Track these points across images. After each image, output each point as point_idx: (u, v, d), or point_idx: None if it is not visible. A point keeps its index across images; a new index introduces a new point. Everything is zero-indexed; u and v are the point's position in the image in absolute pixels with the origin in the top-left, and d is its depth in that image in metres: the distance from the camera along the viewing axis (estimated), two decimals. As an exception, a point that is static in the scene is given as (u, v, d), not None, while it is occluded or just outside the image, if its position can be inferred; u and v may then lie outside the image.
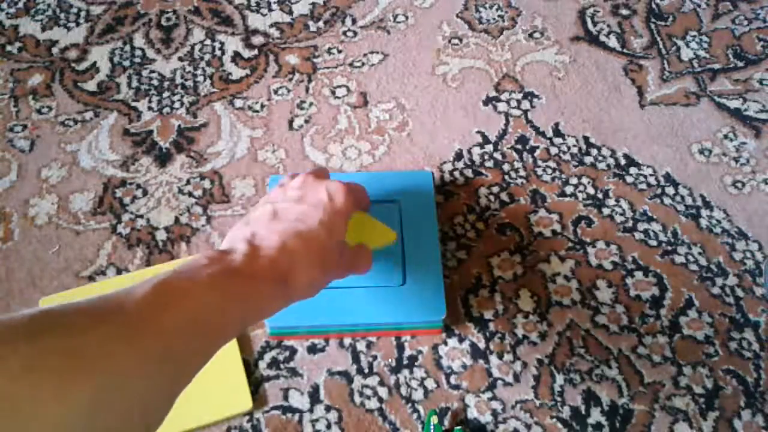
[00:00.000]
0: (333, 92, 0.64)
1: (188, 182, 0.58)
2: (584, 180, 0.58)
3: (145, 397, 0.28)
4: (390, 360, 0.50)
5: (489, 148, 0.60)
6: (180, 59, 0.66)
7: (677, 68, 0.66)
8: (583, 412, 0.48)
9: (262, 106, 0.63)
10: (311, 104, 0.63)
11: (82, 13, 0.70)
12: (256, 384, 0.49)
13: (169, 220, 0.56)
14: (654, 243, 0.55)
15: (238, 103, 0.63)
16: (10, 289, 0.52)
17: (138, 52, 0.67)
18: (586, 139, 0.61)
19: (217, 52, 0.67)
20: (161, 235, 0.55)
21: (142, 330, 0.28)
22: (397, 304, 0.49)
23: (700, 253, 0.55)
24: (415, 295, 0.49)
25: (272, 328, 0.49)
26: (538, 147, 0.60)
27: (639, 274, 0.53)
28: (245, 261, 0.35)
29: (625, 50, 0.67)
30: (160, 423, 0.29)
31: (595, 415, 0.48)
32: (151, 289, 0.30)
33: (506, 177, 0.58)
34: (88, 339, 0.26)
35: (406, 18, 0.70)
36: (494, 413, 0.48)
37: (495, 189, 0.58)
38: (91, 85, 0.64)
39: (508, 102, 0.63)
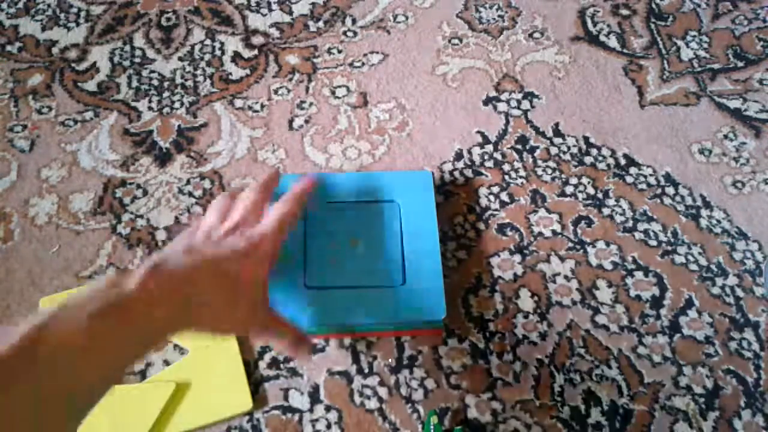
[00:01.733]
0: (333, 92, 0.64)
1: (188, 182, 0.58)
2: (584, 180, 0.58)
3: None
4: (390, 360, 0.50)
5: (489, 148, 0.60)
6: (180, 59, 0.66)
7: (677, 68, 0.66)
8: (583, 412, 0.48)
9: (262, 106, 0.63)
10: (311, 104, 0.63)
11: (82, 13, 0.70)
12: (256, 384, 0.49)
13: (169, 220, 0.56)
14: (654, 243, 0.55)
15: (238, 103, 0.63)
16: (10, 289, 0.52)
17: (138, 52, 0.67)
18: (586, 139, 0.61)
19: (217, 52, 0.67)
20: (161, 235, 0.55)
21: (17, 385, 0.28)
22: (397, 305, 0.49)
23: (700, 253, 0.55)
24: (416, 296, 0.49)
25: None
26: (538, 147, 0.60)
27: (639, 274, 0.53)
28: (140, 288, 0.34)
29: (625, 50, 0.67)
30: None
31: (595, 415, 0.48)
32: (24, 336, 0.29)
33: (506, 177, 0.58)
34: None
35: (406, 18, 0.70)
36: (494, 413, 0.48)
37: (495, 189, 0.58)
38: (91, 85, 0.64)
39: (508, 102, 0.63)
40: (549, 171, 0.59)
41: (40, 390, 0.29)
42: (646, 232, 0.56)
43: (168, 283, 0.36)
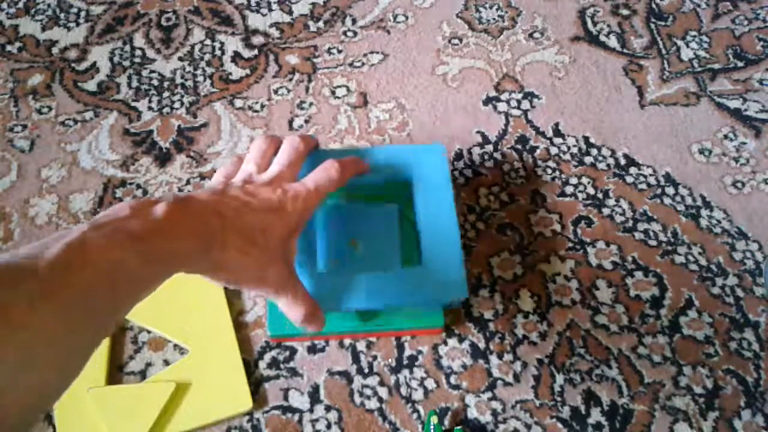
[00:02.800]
0: (333, 92, 0.64)
1: (188, 182, 0.58)
2: (584, 180, 0.58)
3: (65, 353, 0.28)
4: (390, 360, 0.50)
5: (489, 148, 0.60)
6: (180, 59, 0.66)
7: (677, 68, 0.66)
8: (583, 412, 0.48)
9: (262, 106, 0.63)
10: (311, 104, 0.63)
11: (82, 13, 0.70)
12: (256, 384, 0.49)
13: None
14: (654, 243, 0.55)
15: (238, 103, 0.63)
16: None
17: (138, 52, 0.67)
18: (586, 139, 0.61)
19: (217, 52, 0.67)
20: (161, 235, 0.55)
21: (52, 291, 0.27)
22: (417, 285, 0.46)
23: (700, 253, 0.55)
24: (436, 275, 0.46)
25: (273, 334, 0.49)
26: (538, 147, 0.60)
27: (639, 274, 0.53)
28: (168, 213, 0.33)
29: (625, 50, 0.67)
30: (77, 375, 0.29)
31: (595, 415, 0.48)
32: (65, 247, 0.29)
33: (506, 177, 0.58)
34: (12, 295, 0.26)
35: (406, 18, 0.70)
36: (494, 413, 0.48)
37: (495, 189, 0.58)
38: (91, 85, 0.64)
39: (508, 102, 0.63)
40: (549, 171, 0.59)
41: (74, 305, 0.28)
42: (646, 232, 0.56)
43: (193, 219, 0.35)
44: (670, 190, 0.58)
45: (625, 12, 0.70)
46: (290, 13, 0.70)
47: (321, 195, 0.43)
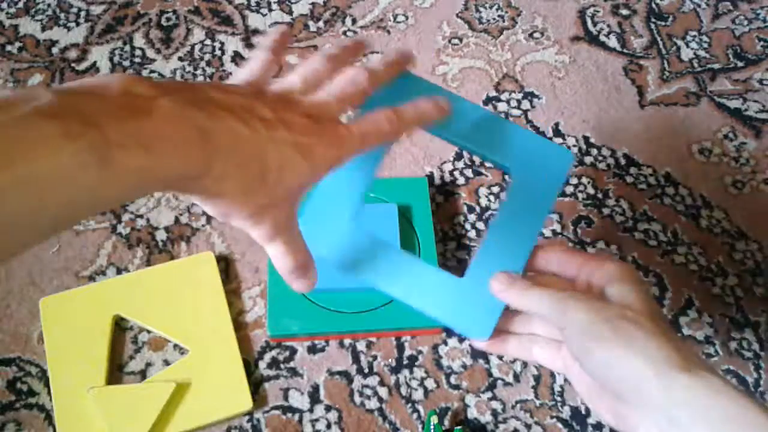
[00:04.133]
0: (333, 92, 0.64)
1: (188, 182, 0.58)
2: (584, 180, 0.58)
3: None
4: (390, 360, 0.50)
5: (489, 148, 0.60)
6: (180, 59, 0.66)
7: (677, 68, 0.66)
8: (583, 412, 0.48)
9: (262, 106, 0.63)
10: (311, 104, 0.63)
11: (82, 13, 0.70)
12: (256, 384, 0.49)
13: (169, 220, 0.56)
14: (654, 243, 0.55)
15: (238, 103, 0.63)
16: (10, 289, 0.52)
17: (138, 52, 0.67)
18: (586, 139, 0.61)
19: (217, 52, 0.67)
20: (161, 235, 0.55)
21: None
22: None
23: (700, 253, 0.55)
24: (472, 300, 0.39)
25: (272, 334, 0.49)
26: (538, 147, 0.60)
27: (639, 274, 0.53)
28: (160, 118, 0.24)
29: (625, 50, 0.67)
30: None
31: (596, 415, 0.48)
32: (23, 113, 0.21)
33: (506, 177, 0.58)
34: None
35: (406, 18, 0.70)
36: (494, 413, 0.48)
37: (495, 189, 0.58)
38: (91, 85, 0.64)
39: (508, 102, 0.63)
40: (549, 171, 0.59)
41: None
42: (646, 232, 0.56)
43: (188, 135, 0.25)
44: (670, 190, 0.58)
45: (625, 12, 0.70)
46: (290, 13, 0.70)
47: (363, 148, 0.34)
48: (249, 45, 0.67)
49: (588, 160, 0.60)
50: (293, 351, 0.50)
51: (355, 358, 0.50)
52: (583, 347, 0.32)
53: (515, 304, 0.36)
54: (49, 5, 0.70)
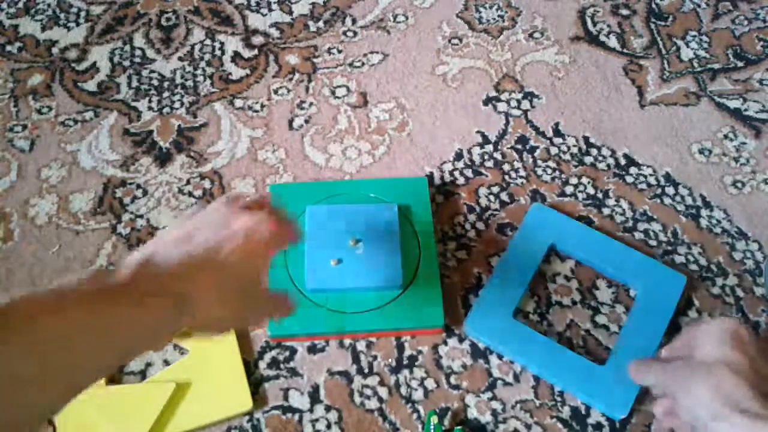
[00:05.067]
0: (333, 92, 0.64)
1: (188, 182, 0.58)
2: (584, 180, 0.58)
3: (27, 412, 0.27)
4: (390, 360, 0.50)
5: (489, 148, 0.60)
6: (180, 59, 0.66)
7: (677, 68, 0.66)
8: (583, 412, 0.48)
9: (262, 106, 0.63)
10: (311, 104, 0.63)
11: (82, 13, 0.70)
12: (256, 384, 0.49)
13: (169, 220, 0.56)
14: (654, 243, 0.55)
15: (238, 103, 0.63)
16: (10, 289, 0.52)
17: (138, 52, 0.67)
18: (586, 139, 0.61)
19: (217, 52, 0.67)
20: (161, 235, 0.55)
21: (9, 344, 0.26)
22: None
23: (700, 253, 0.55)
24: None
25: (272, 334, 0.49)
26: (538, 147, 0.60)
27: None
28: (130, 280, 0.32)
29: (625, 50, 0.67)
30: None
31: (595, 415, 0.48)
32: (25, 299, 0.28)
33: (506, 177, 0.58)
34: None
35: (406, 18, 0.70)
36: (494, 413, 0.48)
37: (495, 189, 0.58)
38: (91, 85, 0.64)
39: (508, 102, 0.63)
40: (549, 171, 0.59)
41: (36, 358, 0.26)
42: (646, 232, 0.56)
43: (158, 282, 0.32)
44: (670, 190, 0.58)
45: (625, 12, 0.70)
46: (290, 13, 0.70)
47: (284, 238, 0.40)
48: (249, 45, 0.67)
49: (588, 160, 0.60)
50: (293, 351, 0.50)
51: (355, 358, 0.50)
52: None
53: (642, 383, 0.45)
54: (49, 5, 0.70)
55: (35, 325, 0.27)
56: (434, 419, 0.46)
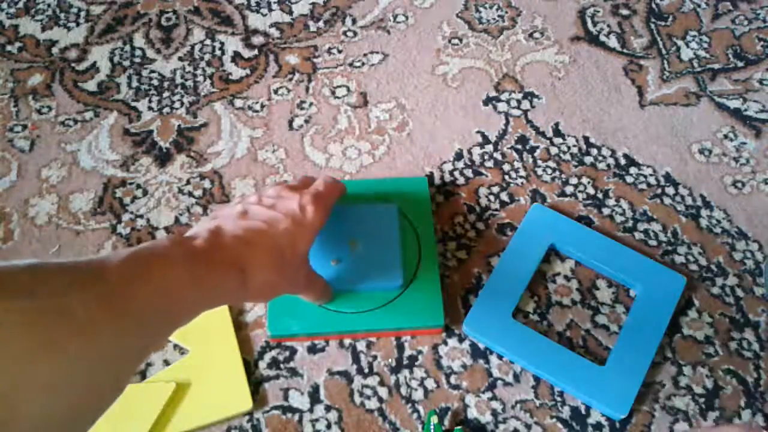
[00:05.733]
0: (333, 92, 0.64)
1: (188, 182, 0.58)
2: (584, 180, 0.58)
3: (119, 362, 0.29)
4: (390, 360, 0.50)
5: (489, 148, 0.60)
6: (180, 59, 0.66)
7: (677, 68, 0.66)
8: (583, 412, 0.48)
9: (262, 106, 0.63)
10: (311, 104, 0.63)
11: (82, 13, 0.70)
12: (256, 384, 0.49)
13: (169, 220, 0.56)
14: (654, 243, 0.55)
15: (238, 103, 0.63)
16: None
17: (138, 52, 0.67)
18: (586, 139, 0.61)
19: (217, 52, 0.67)
20: (161, 235, 0.55)
21: (119, 297, 0.29)
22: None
23: (700, 253, 0.55)
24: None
25: (273, 334, 0.49)
26: (538, 147, 0.60)
27: None
28: (205, 246, 0.35)
29: (625, 50, 0.67)
30: (124, 387, 0.30)
31: (595, 415, 0.48)
32: (125, 258, 0.30)
33: (506, 177, 0.58)
34: (76, 302, 0.27)
35: (406, 18, 0.70)
36: (494, 413, 0.48)
37: (495, 189, 0.58)
38: (91, 85, 0.64)
39: (508, 102, 0.63)
40: (549, 171, 0.59)
41: (132, 317, 0.29)
42: (646, 232, 0.56)
43: (226, 251, 0.36)
44: (670, 190, 0.58)
45: (625, 12, 0.70)
46: (290, 13, 0.70)
47: (333, 196, 0.45)
48: (249, 45, 0.67)
49: (588, 160, 0.60)
50: (293, 351, 0.50)
51: (355, 358, 0.50)
52: None
53: None
54: (49, 5, 0.70)
55: (141, 291, 0.30)
56: (434, 419, 0.46)
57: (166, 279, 0.31)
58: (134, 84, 0.64)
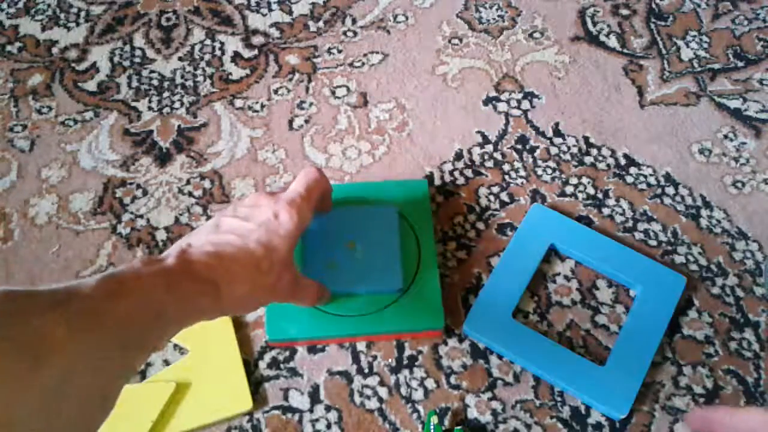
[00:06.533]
0: (333, 92, 0.64)
1: (188, 182, 0.58)
2: (584, 180, 0.58)
3: (103, 380, 0.29)
4: (390, 360, 0.50)
5: (489, 148, 0.60)
6: (180, 59, 0.66)
7: (677, 68, 0.66)
8: (583, 412, 0.48)
9: (262, 106, 0.63)
10: (311, 104, 0.63)
11: (82, 13, 0.70)
12: (256, 384, 0.49)
13: (169, 220, 0.56)
14: (654, 243, 0.55)
15: (238, 103, 0.63)
16: (10, 289, 0.52)
17: (138, 52, 0.67)
18: (586, 139, 0.61)
19: (217, 52, 0.67)
20: (161, 235, 0.55)
21: (96, 314, 0.29)
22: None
23: (700, 253, 0.55)
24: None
25: (271, 338, 0.49)
26: (538, 147, 0.60)
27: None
28: (175, 263, 0.35)
29: (625, 50, 0.67)
30: (112, 405, 0.30)
31: (595, 415, 0.48)
32: (99, 279, 0.31)
33: (506, 177, 0.58)
34: (54, 322, 0.27)
35: (406, 18, 0.70)
36: (494, 413, 0.48)
37: (495, 189, 0.58)
38: (91, 85, 0.64)
39: (508, 102, 0.63)
40: (549, 171, 0.59)
41: (111, 333, 0.29)
42: (646, 232, 0.56)
43: (197, 266, 0.36)
44: (670, 190, 0.58)
45: (625, 12, 0.70)
46: (290, 13, 0.70)
47: (312, 197, 0.44)
48: (249, 45, 0.67)
49: (588, 160, 0.60)
50: (293, 351, 0.50)
51: (355, 358, 0.50)
52: None
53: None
54: (49, 5, 0.70)
55: (118, 307, 0.30)
56: (434, 419, 0.46)
57: (141, 294, 0.32)
58: (134, 84, 0.64)
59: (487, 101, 0.63)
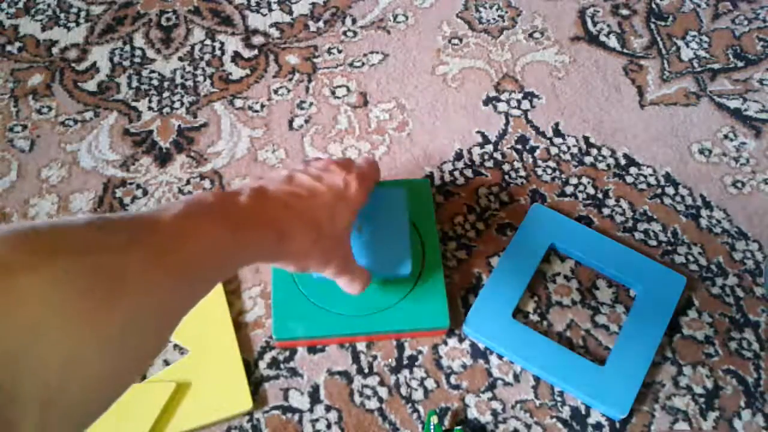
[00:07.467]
0: (333, 92, 0.64)
1: (188, 182, 0.58)
2: (584, 180, 0.58)
3: (165, 318, 0.29)
4: (390, 360, 0.50)
5: (489, 148, 0.60)
6: (180, 59, 0.66)
7: (677, 68, 0.66)
8: (583, 412, 0.48)
9: (262, 106, 0.63)
10: (311, 104, 0.63)
11: (82, 13, 0.70)
12: (256, 384, 0.49)
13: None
14: (654, 243, 0.55)
15: (238, 103, 0.63)
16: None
17: (138, 52, 0.67)
18: (586, 139, 0.61)
19: (217, 52, 0.67)
20: (161, 235, 0.55)
21: (171, 254, 0.29)
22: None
23: (700, 253, 0.55)
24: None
25: (278, 337, 0.49)
26: (538, 147, 0.60)
27: None
28: (247, 203, 0.36)
29: (625, 50, 0.67)
30: (166, 344, 0.30)
31: (595, 415, 0.48)
32: (178, 214, 0.31)
33: (506, 177, 0.58)
34: (129, 259, 0.27)
35: (406, 18, 0.70)
36: (494, 413, 0.48)
37: (495, 189, 0.58)
38: (91, 85, 0.64)
39: (508, 102, 0.63)
40: (549, 171, 0.59)
41: (182, 272, 0.29)
42: (646, 232, 0.56)
43: (269, 211, 0.37)
44: (670, 190, 0.58)
45: (625, 12, 0.70)
46: (290, 13, 0.70)
47: (375, 178, 0.46)
48: (249, 45, 0.67)
49: (588, 160, 0.60)
50: (293, 351, 0.50)
51: (355, 358, 0.50)
52: None
53: None
54: (49, 5, 0.70)
55: (187, 246, 0.30)
56: (434, 419, 0.46)
57: (212, 237, 0.32)
58: (134, 84, 0.64)
59: (487, 101, 0.63)
